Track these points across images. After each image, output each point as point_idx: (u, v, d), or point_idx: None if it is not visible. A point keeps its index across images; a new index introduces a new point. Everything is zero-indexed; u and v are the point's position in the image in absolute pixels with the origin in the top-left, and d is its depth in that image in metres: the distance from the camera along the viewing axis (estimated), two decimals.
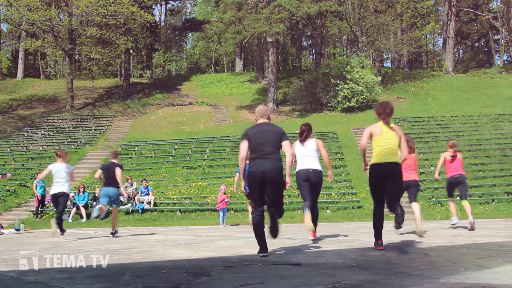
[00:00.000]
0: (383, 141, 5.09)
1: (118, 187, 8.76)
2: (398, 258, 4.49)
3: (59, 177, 8.57)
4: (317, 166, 6.40)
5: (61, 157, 8.75)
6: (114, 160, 9.02)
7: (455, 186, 8.79)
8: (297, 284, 3.14)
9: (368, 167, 5.23)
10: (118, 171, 8.60)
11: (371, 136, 5.19)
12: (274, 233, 4.90)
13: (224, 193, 13.68)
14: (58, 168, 8.62)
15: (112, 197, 8.73)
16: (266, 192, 4.80)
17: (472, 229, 8.09)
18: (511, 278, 3.19)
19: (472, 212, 8.47)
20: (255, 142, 4.85)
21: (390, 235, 7.57)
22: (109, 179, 8.65)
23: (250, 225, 6.89)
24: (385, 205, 5.21)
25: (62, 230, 8.88)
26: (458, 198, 9.06)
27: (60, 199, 8.59)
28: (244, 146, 4.88)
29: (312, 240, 6.41)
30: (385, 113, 5.15)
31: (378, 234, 5.14)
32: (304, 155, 6.44)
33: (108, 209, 9.69)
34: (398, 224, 6.27)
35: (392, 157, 5.05)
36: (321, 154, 6.48)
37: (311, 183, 6.31)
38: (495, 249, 5.00)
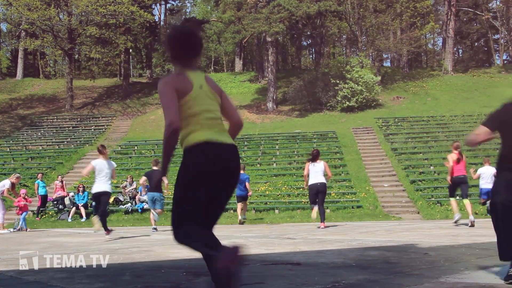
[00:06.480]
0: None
1: (162, 192, 10.49)
2: (398, 257, 4.49)
3: (101, 174, 8.03)
4: (323, 180, 9.65)
5: (103, 154, 8.18)
6: (155, 168, 10.40)
7: (458, 186, 9.43)
8: (297, 284, 3.14)
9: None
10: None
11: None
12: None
13: (24, 197, 12.88)
14: (101, 165, 8.06)
15: (157, 201, 10.37)
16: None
17: (472, 225, 8.87)
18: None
19: (472, 211, 9.32)
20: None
21: (389, 234, 7.57)
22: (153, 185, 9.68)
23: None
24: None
25: (107, 230, 8.17)
26: (457, 197, 9.55)
27: (101, 198, 8.10)
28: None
29: (322, 228, 9.46)
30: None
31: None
32: (315, 172, 9.65)
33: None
34: None
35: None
36: (326, 173, 9.70)
37: (319, 192, 9.62)
38: (495, 249, 4.99)
